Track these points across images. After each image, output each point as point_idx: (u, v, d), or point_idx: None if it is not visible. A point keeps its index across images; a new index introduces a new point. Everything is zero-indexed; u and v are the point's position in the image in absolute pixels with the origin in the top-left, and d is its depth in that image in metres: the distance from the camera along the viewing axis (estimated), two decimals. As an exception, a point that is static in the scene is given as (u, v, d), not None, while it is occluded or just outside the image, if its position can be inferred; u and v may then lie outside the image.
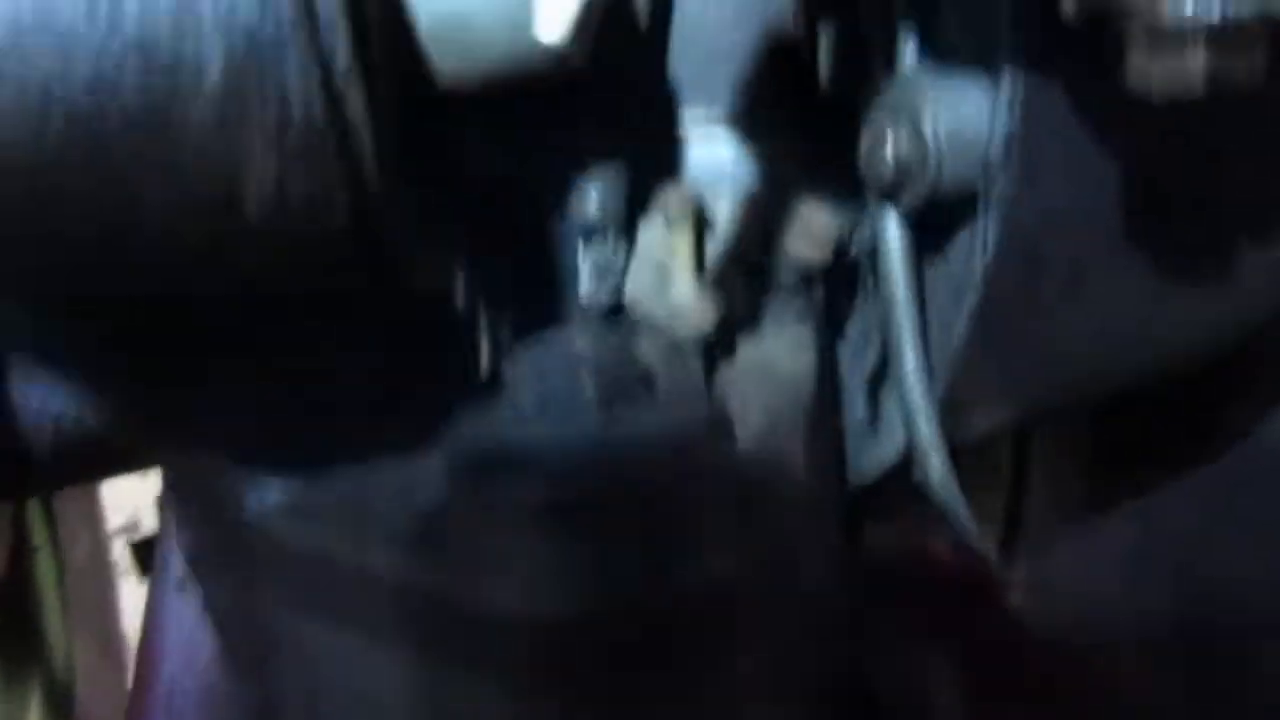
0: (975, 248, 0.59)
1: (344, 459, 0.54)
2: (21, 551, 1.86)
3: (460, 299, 0.47)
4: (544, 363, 0.53)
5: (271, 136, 0.33)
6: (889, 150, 0.54)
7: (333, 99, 0.33)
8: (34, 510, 1.92)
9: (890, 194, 0.56)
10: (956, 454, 0.73)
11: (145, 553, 1.54)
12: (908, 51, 0.57)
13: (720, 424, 0.57)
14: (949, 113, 0.53)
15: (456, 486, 0.51)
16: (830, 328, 0.69)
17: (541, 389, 0.52)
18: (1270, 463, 1.03)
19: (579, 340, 0.54)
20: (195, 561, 0.61)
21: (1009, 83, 0.52)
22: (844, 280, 0.67)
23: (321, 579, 0.55)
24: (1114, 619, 1.08)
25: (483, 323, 0.48)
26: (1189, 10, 0.38)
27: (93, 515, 2.14)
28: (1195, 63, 0.39)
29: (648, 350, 0.58)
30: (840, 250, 0.62)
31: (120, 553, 2.34)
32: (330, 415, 0.54)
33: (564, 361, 0.52)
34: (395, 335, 0.52)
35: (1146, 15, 0.38)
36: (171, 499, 0.63)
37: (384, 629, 0.54)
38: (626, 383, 0.54)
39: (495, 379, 0.53)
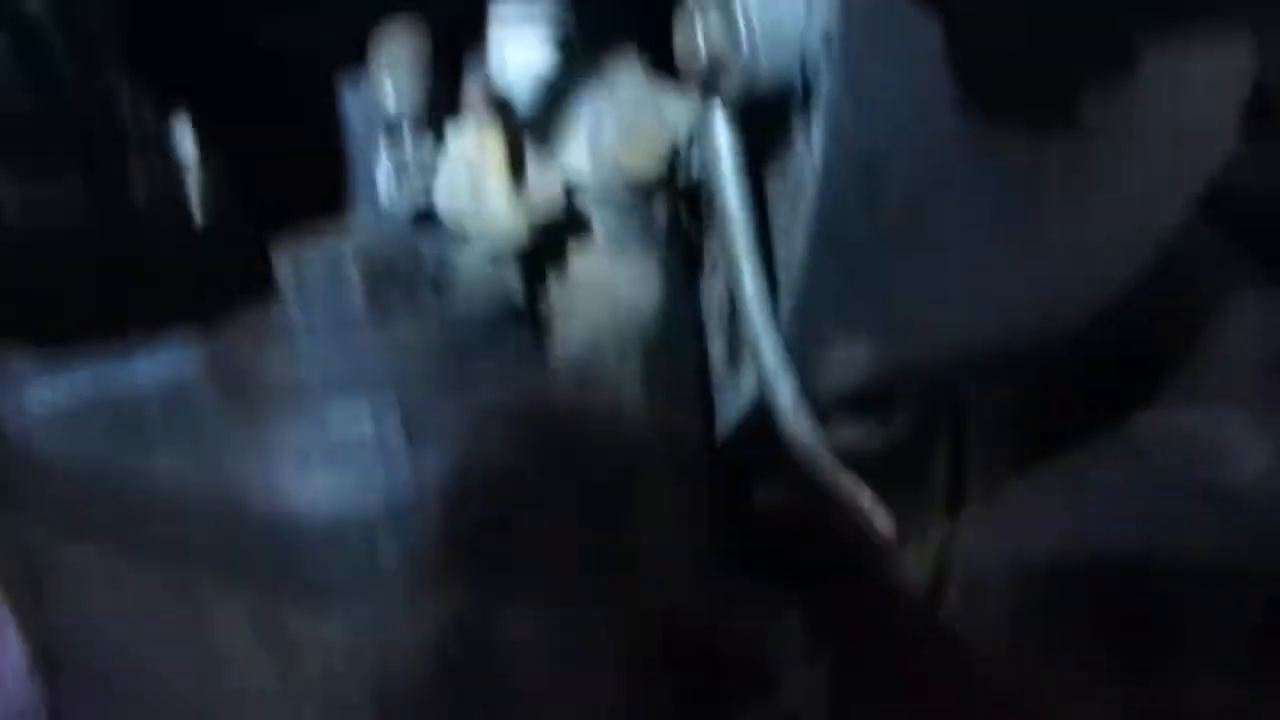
0: (807, 154, 0.55)
1: (103, 358, 0.51)
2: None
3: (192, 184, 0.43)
4: (316, 255, 0.49)
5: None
6: (701, 37, 0.50)
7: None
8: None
9: (707, 85, 0.52)
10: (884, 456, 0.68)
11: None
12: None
13: (530, 336, 0.53)
14: (765, 3, 0.49)
15: (215, 379, 0.47)
16: (682, 259, 0.66)
17: (307, 282, 0.48)
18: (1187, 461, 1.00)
19: (354, 237, 0.50)
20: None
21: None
22: (693, 205, 0.63)
23: (85, 495, 0.51)
24: (1041, 620, 1.05)
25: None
26: None
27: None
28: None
29: (452, 256, 0.55)
30: (675, 165, 0.59)
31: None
32: (90, 312, 0.50)
33: (335, 255, 0.48)
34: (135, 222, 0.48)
35: None
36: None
37: (151, 545, 0.50)
38: (405, 283, 0.50)
39: (256, 270, 0.50)
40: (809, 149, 0.54)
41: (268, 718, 0.49)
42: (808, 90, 0.52)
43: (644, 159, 0.57)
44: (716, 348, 0.69)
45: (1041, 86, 0.56)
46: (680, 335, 0.66)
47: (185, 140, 0.41)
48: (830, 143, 0.53)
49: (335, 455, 0.45)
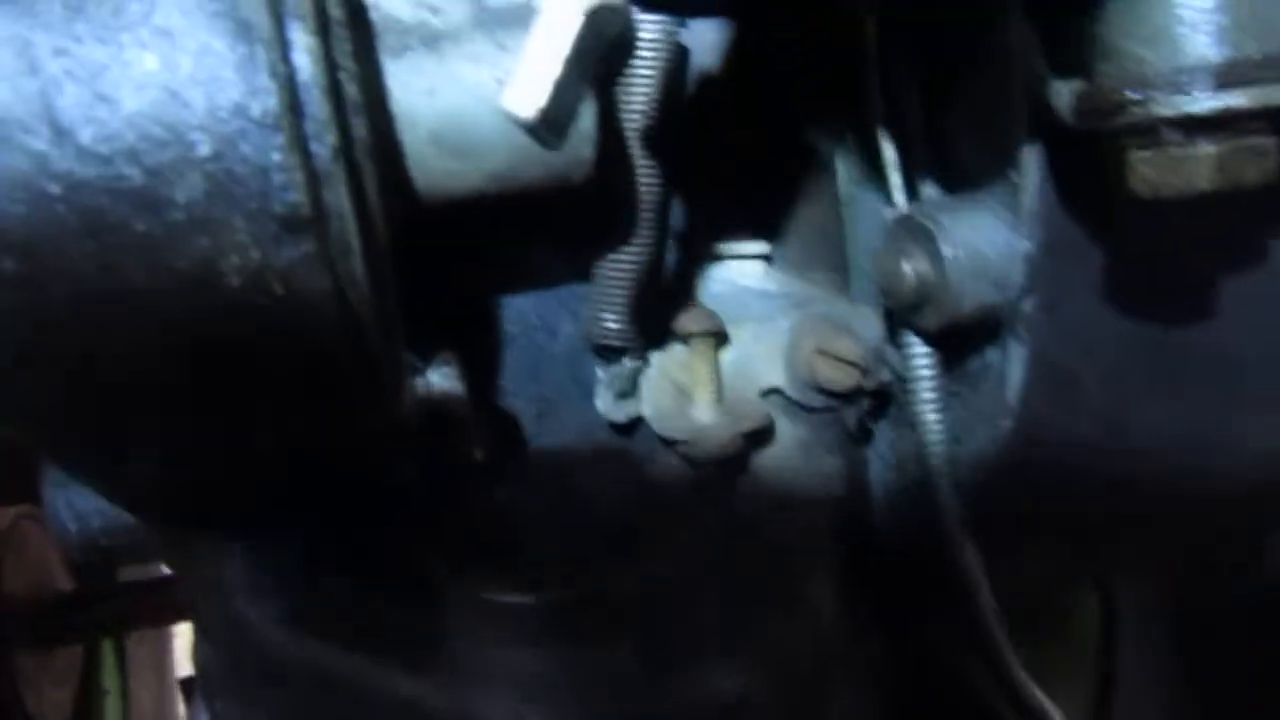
0: (1007, 375, 0.57)
1: (343, 569, 0.54)
2: (91, 693, 1.87)
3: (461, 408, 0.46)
4: (554, 474, 0.52)
5: (253, 216, 0.34)
6: (907, 270, 0.53)
7: (314, 184, 0.34)
8: (107, 654, 1.94)
9: (910, 314, 0.54)
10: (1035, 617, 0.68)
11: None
12: (924, 179, 0.57)
13: (735, 541, 0.55)
14: (968, 232, 0.52)
15: (455, 593, 0.50)
16: (859, 457, 0.67)
17: (548, 498, 0.51)
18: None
19: (590, 451, 0.53)
20: (205, 680, 0.60)
21: (1028, 200, 0.51)
22: (873, 408, 0.65)
23: (315, 697, 0.53)
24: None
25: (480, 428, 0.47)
26: (1188, 105, 0.37)
27: (162, 665, 2.15)
28: (1198, 158, 0.38)
29: (662, 456, 0.57)
30: (867, 375, 0.61)
31: (185, 706, 2.34)
32: (332, 526, 0.54)
33: (574, 473, 0.51)
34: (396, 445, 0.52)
35: (1142, 112, 0.38)
36: (193, 617, 0.62)
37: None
38: (637, 497, 0.53)
39: (496, 486, 0.53)
40: (1009, 367, 0.56)
41: None
42: (1005, 314, 0.55)
43: (840, 372, 0.59)
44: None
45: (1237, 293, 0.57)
46: (860, 532, 0.67)
47: (453, 375, 0.45)
48: (1032, 362, 0.55)
49: (575, 688, 0.46)
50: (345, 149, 0.35)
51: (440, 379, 0.46)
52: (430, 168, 0.42)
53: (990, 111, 0.52)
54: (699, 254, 0.60)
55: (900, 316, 0.56)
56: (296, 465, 0.44)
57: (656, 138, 0.51)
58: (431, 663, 0.49)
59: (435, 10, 0.43)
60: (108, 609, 1.85)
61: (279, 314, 0.36)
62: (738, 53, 0.55)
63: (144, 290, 0.34)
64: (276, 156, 0.33)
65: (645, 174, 0.52)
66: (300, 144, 0.34)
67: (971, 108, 0.54)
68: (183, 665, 2.17)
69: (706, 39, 0.55)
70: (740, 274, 0.60)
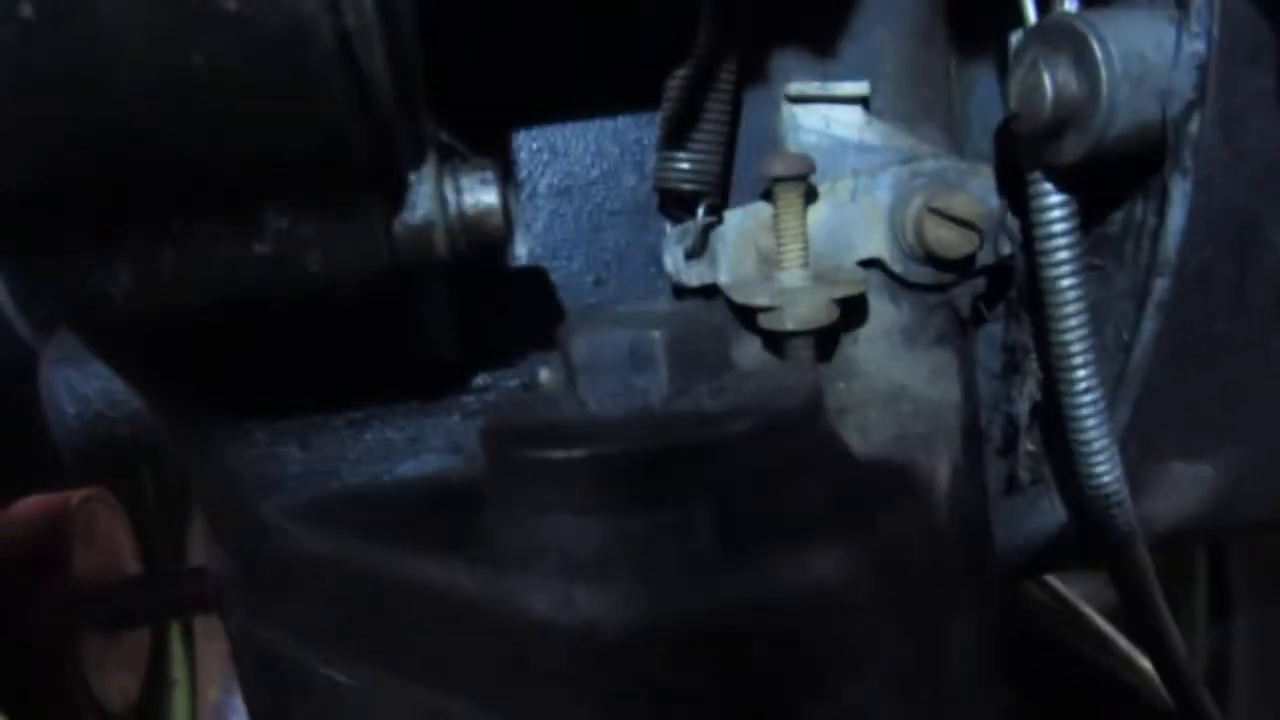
0: (1163, 229, 0.47)
1: (363, 451, 0.46)
2: (158, 683, 1.84)
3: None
4: (616, 335, 0.43)
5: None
6: (1048, 81, 0.43)
7: None
8: (175, 644, 1.91)
9: (1048, 145, 0.45)
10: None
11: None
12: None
13: (824, 425, 0.45)
14: (1124, 29, 0.42)
15: (492, 454, 0.41)
16: (970, 352, 0.57)
17: (605, 362, 0.42)
18: None
19: (656, 318, 0.44)
20: (220, 589, 0.52)
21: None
22: (990, 290, 0.55)
23: (344, 597, 0.46)
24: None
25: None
26: None
27: (228, 660, 2.12)
28: None
29: (739, 339, 0.48)
30: (984, 243, 0.51)
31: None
32: (349, 403, 0.46)
33: (637, 340, 0.42)
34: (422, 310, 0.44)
35: None
36: (205, 528, 0.55)
37: (397, 652, 0.43)
38: (705, 367, 0.44)
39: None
40: (1167, 212, 0.46)
41: None
42: (1164, 145, 0.45)
43: (954, 234, 0.50)
44: (1007, 457, 0.60)
45: None
46: (974, 440, 0.57)
47: (489, 183, 0.37)
48: (1198, 200, 0.45)
49: (637, 564, 0.37)
50: None
51: (474, 188, 0.37)
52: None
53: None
54: (785, 95, 0.50)
55: (1033, 153, 0.46)
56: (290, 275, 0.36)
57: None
58: (464, 541, 0.40)
59: None
60: (177, 592, 1.81)
61: (266, 48, 0.28)
62: None
63: None
64: None
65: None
66: None
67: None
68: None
69: None
70: (835, 121, 0.51)
